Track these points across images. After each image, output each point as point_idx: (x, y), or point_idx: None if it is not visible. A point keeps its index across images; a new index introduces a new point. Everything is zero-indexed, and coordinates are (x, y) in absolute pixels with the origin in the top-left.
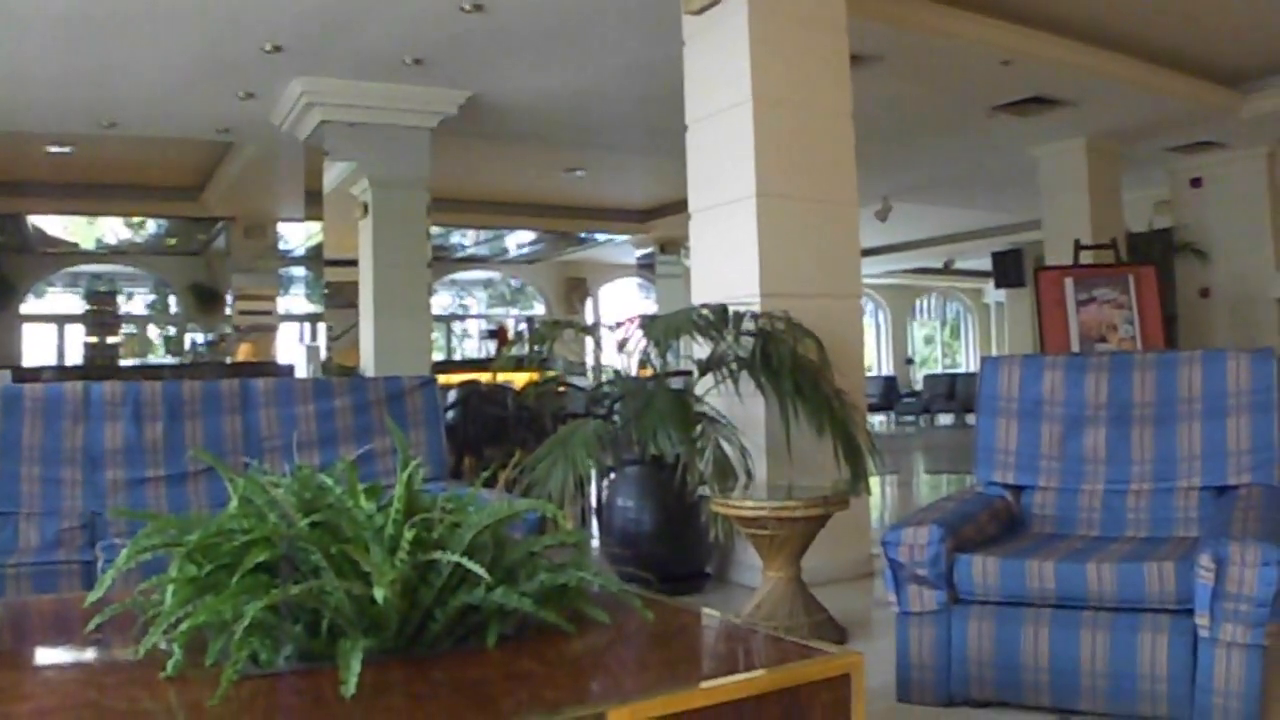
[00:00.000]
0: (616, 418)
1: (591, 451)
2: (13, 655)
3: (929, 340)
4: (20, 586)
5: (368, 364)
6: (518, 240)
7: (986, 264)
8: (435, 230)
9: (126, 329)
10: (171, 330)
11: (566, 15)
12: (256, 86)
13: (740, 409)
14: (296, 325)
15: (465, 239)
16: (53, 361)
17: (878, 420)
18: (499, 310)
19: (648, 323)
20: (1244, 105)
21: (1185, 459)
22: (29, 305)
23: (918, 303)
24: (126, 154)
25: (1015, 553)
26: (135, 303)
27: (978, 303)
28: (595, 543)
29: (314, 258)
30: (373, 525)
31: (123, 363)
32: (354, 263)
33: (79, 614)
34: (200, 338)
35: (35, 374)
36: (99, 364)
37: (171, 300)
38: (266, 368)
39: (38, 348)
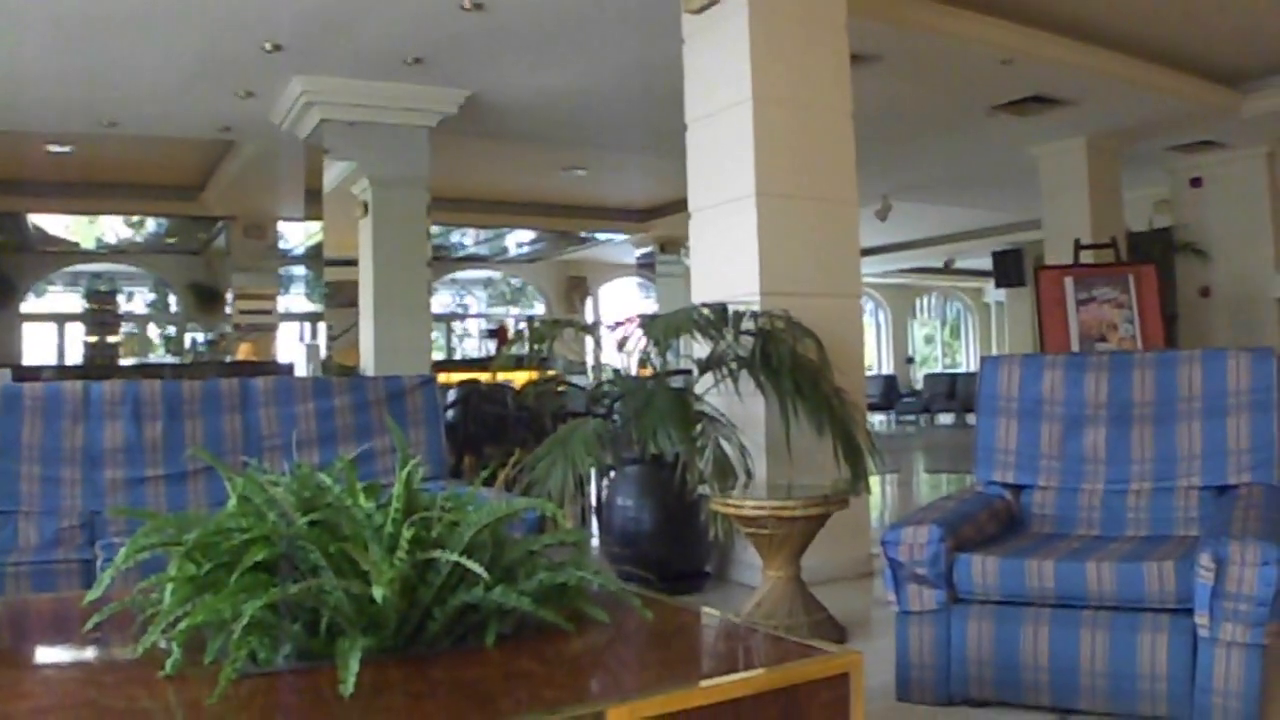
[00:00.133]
0: (616, 417)
1: (591, 450)
2: (12, 654)
3: (929, 339)
4: (19, 585)
5: (368, 363)
6: (518, 239)
7: (987, 263)
8: (435, 229)
9: (126, 328)
10: (171, 329)
11: (566, 14)
12: (256, 85)
13: (740, 408)
14: (296, 324)
15: (465, 238)
16: (53, 361)
17: (878, 420)
18: (499, 309)
19: (647, 322)
20: (1244, 105)
21: (1185, 458)
22: (29, 304)
23: (918, 302)
24: (127, 153)
25: (1015, 552)
26: (135, 302)
27: (978, 302)
28: (595, 542)
29: (314, 257)
30: (372, 524)
31: (123, 362)
32: (354, 262)
33: (78, 613)
34: (200, 337)
35: (35, 373)
36: (99, 363)
37: (171, 299)
38: (266, 367)
39: (38, 347)
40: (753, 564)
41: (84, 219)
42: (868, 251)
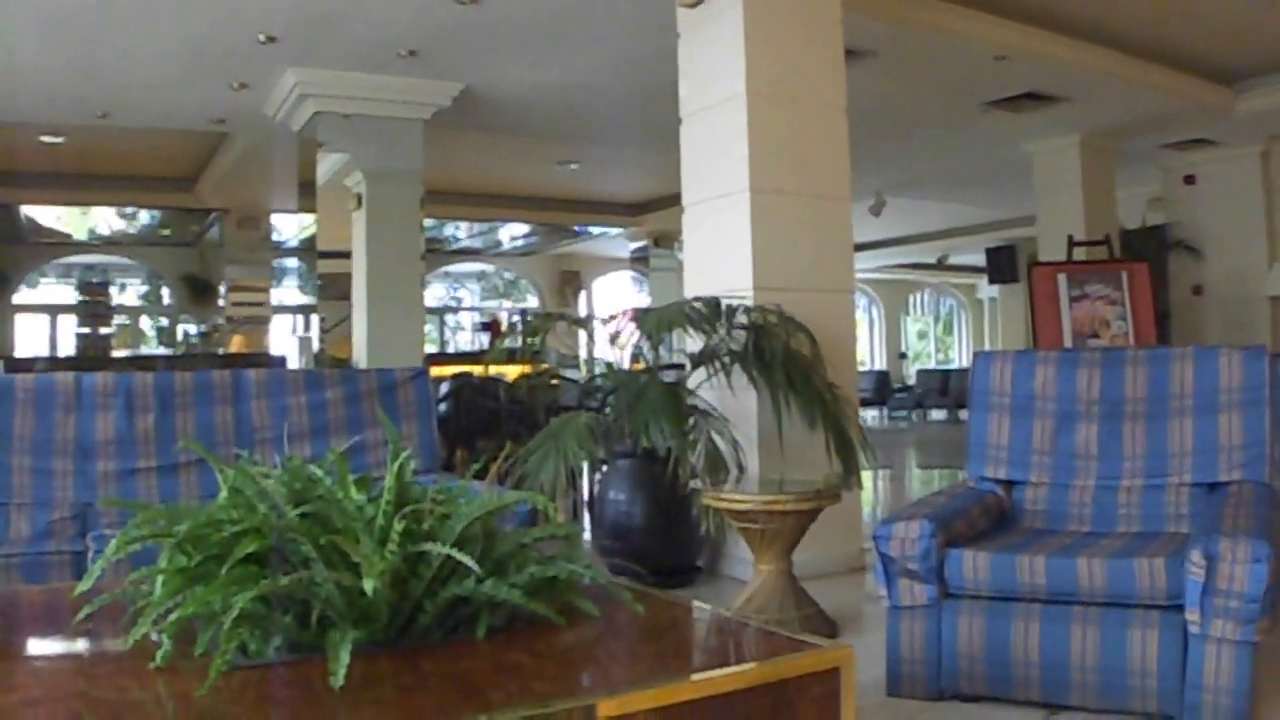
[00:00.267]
0: (609, 410)
1: (583, 444)
2: (3, 645)
3: (922, 335)
4: (10, 577)
5: (360, 356)
6: (511, 233)
7: (980, 259)
8: (429, 222)
9: (119, 320)
10: (164, 321)
11: (561, 8)
12: (250, 77)
13: (732, 402)
14: (289, 317)
15: (459, 231)
16: (45, 352)
17: (870, 415)
18: (492, 303)
19: (640, 316)
20: (1238, 103)
21: (1177, 455)
22: (21, 296)
23: (911, 298)
24: (120, 144)
25: (1006, 548)
26: (128, 294)
27: (971, 298)
28: (586, 535)
29: (307, 249)
30: (363, 517)
31: (115, 354)
32: (347, 255)
33: (69, 604)
34: (193, 329)
35: (27, 364)
36: (91, 355)
37: (164, 291)
38: (259, 359)
39: (30, 338)
40: (744, 558)
41: (76, 210)
42: (861, 247)
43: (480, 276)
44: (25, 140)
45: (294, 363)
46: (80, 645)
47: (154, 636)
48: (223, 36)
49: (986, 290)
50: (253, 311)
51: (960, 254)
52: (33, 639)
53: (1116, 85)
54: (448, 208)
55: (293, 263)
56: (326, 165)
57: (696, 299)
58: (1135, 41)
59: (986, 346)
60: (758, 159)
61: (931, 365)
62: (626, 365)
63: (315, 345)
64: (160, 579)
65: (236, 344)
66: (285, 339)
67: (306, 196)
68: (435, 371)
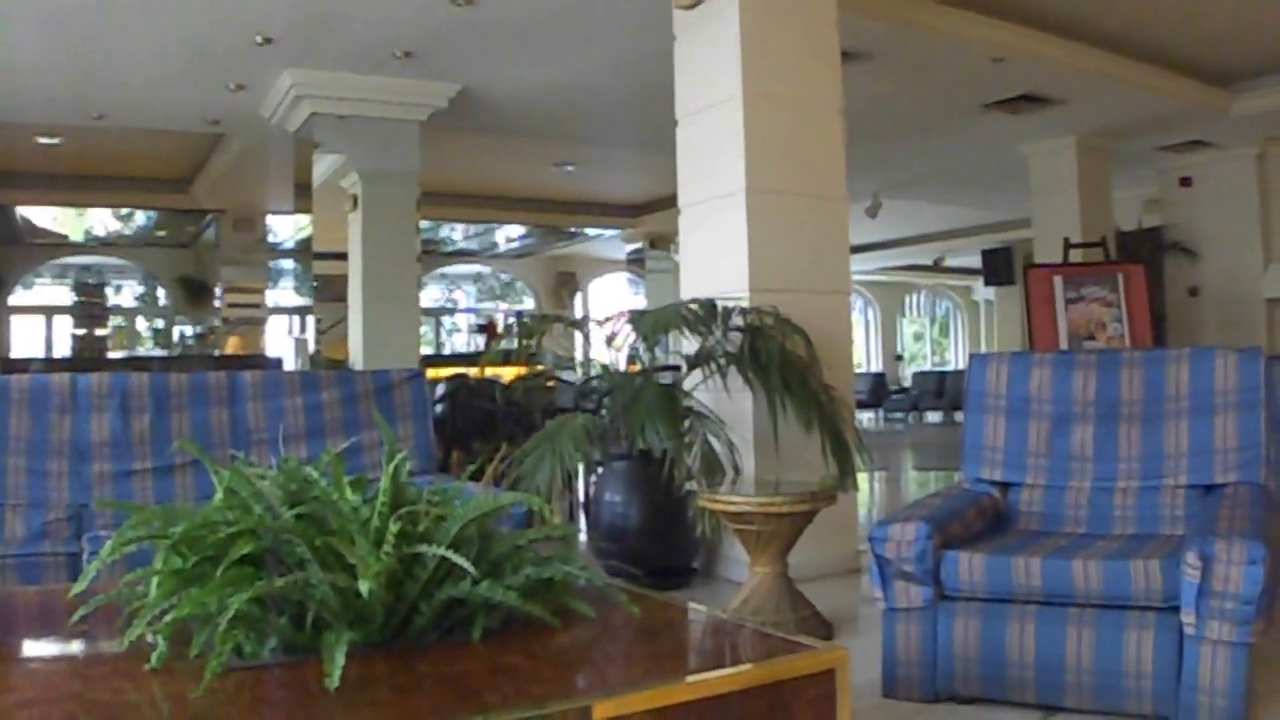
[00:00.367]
0: (604, 412)
1: (579, 446)
2: None
3: (918, 337)
4: (6, 578)
5: (356, 357)
6: (507, 234)
7: (976, 261)
8: (425, 224)
9: (115, 321)
10: (160, 323)
11: (557, 9)
12: (246, 78)
13: (728, 404)
14: (285, 318)
15: (455, 233)
16: (41, 353)
17: (866, 417)
18: (488, 304)
19: (636, 317)
20: (1234, 105)
21: (1172, 457)
22: (17, 297)
23: (907, 299)
24: (116, 145)
25: (1002, 549)
26: (124, 295)
27: (967, 300)
28: (582, 537)
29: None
30: (358, 518)
31: (111, 355)
32: (343, 256)
33: (64, 605)
34: (189, 330)
35: (23, 365)
36: (87, 356)
37: (160, 292)
38: (255, 360)
39: (26, 339)
40: (740, 560)
41: (72, 211)
42: (857, 249)
43: (476, 278)
44: (22, 141)
45: (290, 364)
46: (75, 647)
47: (149, 638)
48: (219, 38)
49: (982, 292)
50: (248, 313)
51: (956, 256)
52: (28, 640)
53: (1113, 87)
54: (444, 209)
55: (289, 264)
56: (322, 166)
57: (692, 300)
58: (1132, 43)
59: (982, 348)
60: (754, 160)
61: (927, 367)
62: (622, 367)
63: (311, 347)
64: (155, 580)
65: (232, 345)
66: (281, 340)
67: (302, 198)
68: (431, 373)
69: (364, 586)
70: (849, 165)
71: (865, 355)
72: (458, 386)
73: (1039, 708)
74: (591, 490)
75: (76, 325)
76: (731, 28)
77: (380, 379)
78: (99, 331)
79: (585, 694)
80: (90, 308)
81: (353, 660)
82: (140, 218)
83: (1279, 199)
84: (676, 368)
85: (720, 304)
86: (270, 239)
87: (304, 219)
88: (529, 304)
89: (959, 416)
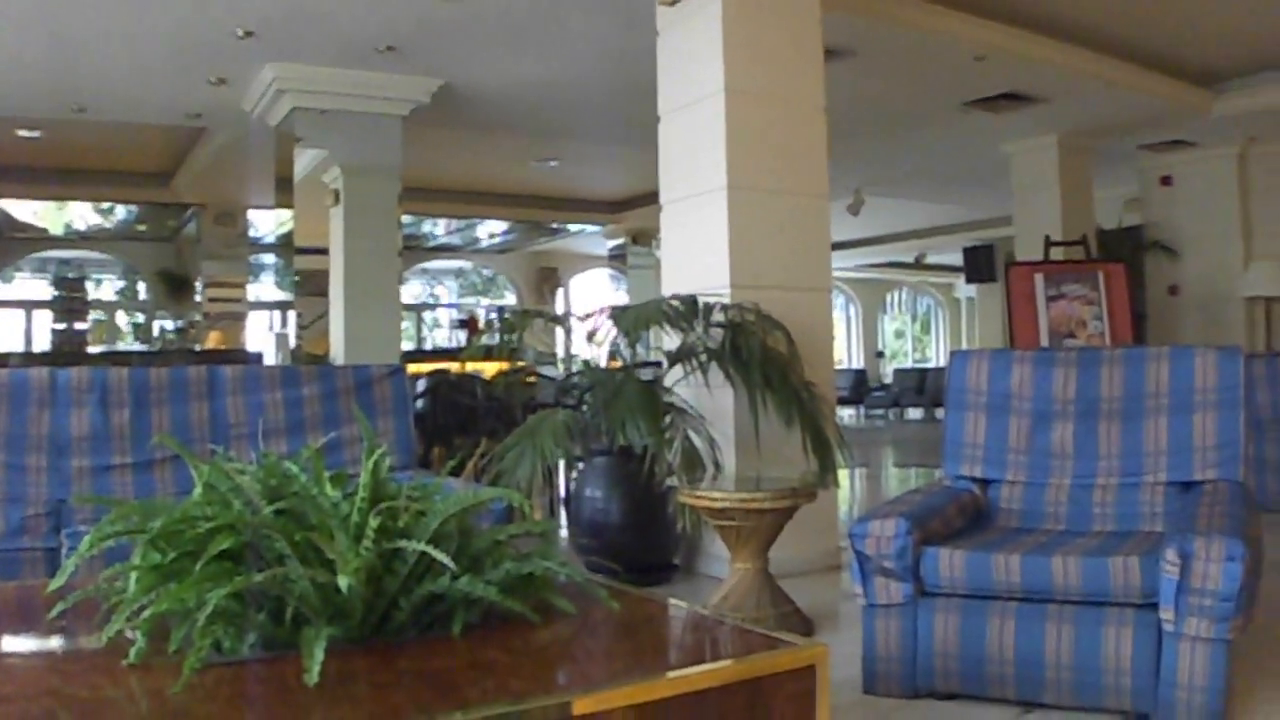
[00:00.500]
0: (586, 408)
1: (560, 441)
2: None
3: (899, 334)
4: None
5: (337, 352)
6: (489, 230)
7: (958, 259)
8: (406, 219)
9: (95, 315)
10: (140, 317)
11: (540, 4)
12: (228, 72)
13: (709, 400)
14: (266, 313)
15: (437, 228)
16: (20, 348)
17: (847, 414)
18: (470, 300)
19: (618, 313)
20: (1215, 104)
21: (1152, 454)
22: None
23: (889, 296)
24: (96, 139)
25: (981, 546)
26: (104, 289)
27: (949, 297)
28: (563, 533)
29: (284, 245)
30: (338, 513)
31: (91, 349)
32: (324, 251)
33: (42, 601)
34: (169, 325)
35: (2, 360)
36: (67, 350)
37: (141, 287)
38: (235, 355)
39: (4, 334)
40: (720, 556)
41: (52, 205)
42: (839, 245)
43: (458, 273)
44: (1, 134)
45: (271, 359)
46: (54, 642)
47: (128, 633)
48: (201, 31)
49: (964, 290)
50: (229, 307)
51: (938, 253)
52: (6, 636)
53: (1095, 86)
54: (426, 204)
55: (270, 259)
56: (304, 161)
57: (674, 297)
58: (1114, 43)
59: (964, 346)
60: (736, 157)
61: (909, 364)
62: (604, 363)
63: (292, 342)
64: (134, 576)
65: (213, 340)
66: (262, 335)
67: (284, 192)
68: (412, 368)
69: (343, 582)
70: (831, 162)
71: (847, 352)
72: (439, 382)
73: (1018, 704)
74: (572, 486)
75: (56, 320)
76: (714, 24)
77: (361, 374)
78: (79, 326)
79: (565, 689)
80: (70, 302)
81: (332, 656)
82: (121, 212)
83: (1259, 198)
84: (658, 364)
85: (702, 300)
86: (251, 234)
87: (285, 214)
88: (511, 299)
89: (940, 413)
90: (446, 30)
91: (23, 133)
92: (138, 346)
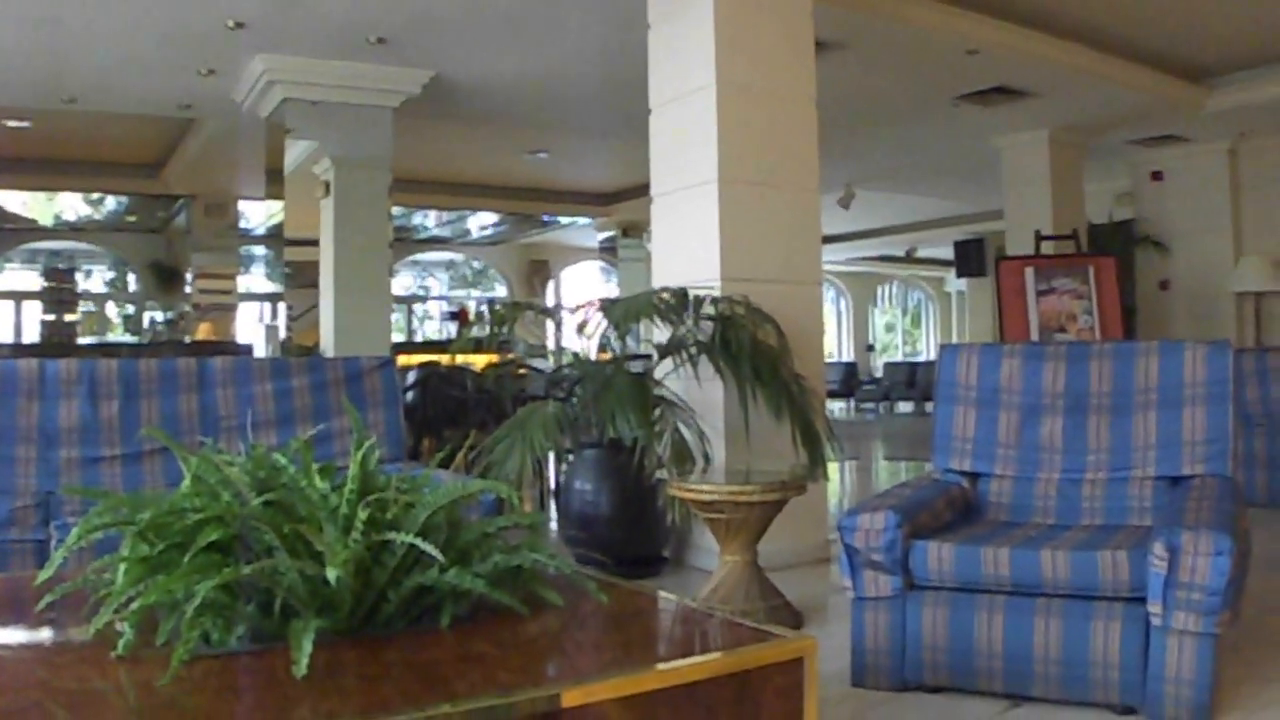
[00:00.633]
0: (575, 400)
1: (550, 434)
2: None
3: (890, 328)
4: None
5: (327, 344)
6: (480, 222)
7: (948, 253)
8: (397, 211)
9: (84, 307)
10: (130, 308)
11: None
12: (218, 63)
13: (699, 393)
14: (256, 304)
15: (427, 220)
16: (9, 339)
17: (838, 407)
18: (460, 292)
19: (608, 306)
20: (1207, 100)
21: (1140, 449)
22: None
23: (879, 290)
24: (86, 129)
25: (971, 539)
26: (94, 280)
27: (939, 291)
28: (553, 525)
29: (275, 237)
30: (327, 505)
31: (80, 341)
32: (315, 242)
33: (30, 593)
34: (159, 316)
35: None
36: (56, 342)
37: (131, 278)
38: (225, 347)
39: None
40: (710, 549)
41: (42, 196)
42: (830, 239)
43: (448, 265)
44: None
45: (261, 351)
46: (42, 634)
47: (116, 625)
48: (191, 22)
49: (954, 283)
50: (219, 299)
51: (928, 247)
52: None
53: (1087, 81)
54: (416, 196)
55: (260, 250)
56: (295, 152)
57: (664, 289)
58: (1106, 37)
59: (954, 339)
60: (727, 150)
61: (899, 358)
62: (594, 355)
63: (282, 333)
64: (122, 567)
65: (203, 331)
66: (252, 327)
67: (274, 183)
68: (402, 360)
69: (332, 574)
70: (822, 156)
71: (837, 345)
72: (429, 374)
73: (1006, 697)
74: (562, 478)
75: (46, 311)
76: (706, 16)
77: (351, 366)
78: (68, 317)
79: (554, 682)
80: (60, 293)
81: (320, 648)
82: (111, 203)
83: (1250, 194)
84: (648, 356)
85: (692, 293)
86: (242, 225)
87: (276, 205)
88: (501, 292)
89: (930, 407)
90: (437, 22)
91: (12, 123)
92: (127, 338)
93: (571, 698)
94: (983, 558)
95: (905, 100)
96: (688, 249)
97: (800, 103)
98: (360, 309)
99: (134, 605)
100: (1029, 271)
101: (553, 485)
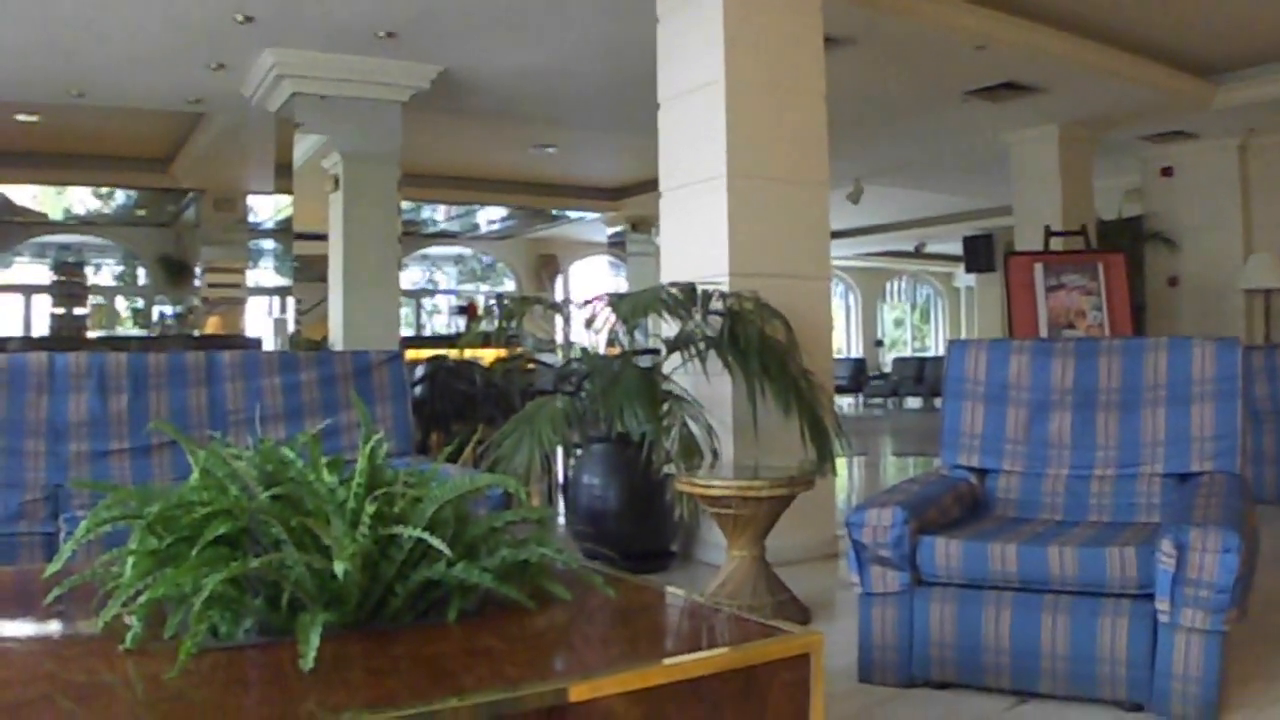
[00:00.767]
0: (584, 395)
1: (558, 428)
2: None
3: (899, 323)
4: None
5: (336, 338)
6: (488, 216)
7: (957, 248)
8: (406, 205)
9: (94, 300)
10: (139, 302)
11: None
12: (227, 57)
13: (707, 388)
14: (265, 298)
15: (436, 214)
16: (19, 332)
17: (846, 402)
18: (469, 286)
19: (616, 300)
20: (1216, 96)
21: (1149, 445)
22: None
23: (888, 285)
24: (95, 124)
25: (978, 535)
26: (103, 274)
27: (948, 286)
28: (560, 520)
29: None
30: (335, 499)
31: (90, 334)
32: (324, 237)
33: (39, 586)
34: (168, 310)
35: (1, 345)
36: (65, 335)
37: (140, 272)
38: (234, 341)
39: (3, 318)
40: (718, 544)
41: (52, 190)
42: (839, 234)
43: (457, 260)
44: (0, 119)
45: (269, 345)
46: (50, 627)
47: (124, 618)
48: (200, 16)
49: (963, 279)
50: (228, 293)
51: (937, 242)
52: (2, 620)
53: (1096, 76)
54: (425, 190)
55: (269, 244)
56: (304, 147)
57: (673, 284)
58: (1116, 33)
59: (963, 335)
60: (736, 145)
61: (908, 353)
62: (602, 350)
63: (291, 327)
64: (131, 560)
65: (212, 325)
66: (261, 321)
67: (283, 178)
68: (411, 354)
69: (339, 568)
70: (831, 151)
71: (846, 341)
72: (437, 368)
73: (1013, 693)
74: (570, 473)
75: (55, 304)
76: (714, 11)
77: (359, 360)
78: (78, 311)
79: (561, 676)
80: (69, 287)
81: (328, 641)
82: (120, 196)
83: (1260, 190)
84: (656, 351)
85: (700, 288)
86: (251, 219)
87: (285, 199)
88: (510, 286)
89: (938, 402)
90: (447, 17)
91: (22, 117)
92: (136, 332)
93: (579, 692)
94: (990, 554)
95: (914, 96)
96: (696, 244)
97: (809, 98)
98: (369, 303)
99: (142, 598)
100: (1038, 267)
101: (561, 480)
